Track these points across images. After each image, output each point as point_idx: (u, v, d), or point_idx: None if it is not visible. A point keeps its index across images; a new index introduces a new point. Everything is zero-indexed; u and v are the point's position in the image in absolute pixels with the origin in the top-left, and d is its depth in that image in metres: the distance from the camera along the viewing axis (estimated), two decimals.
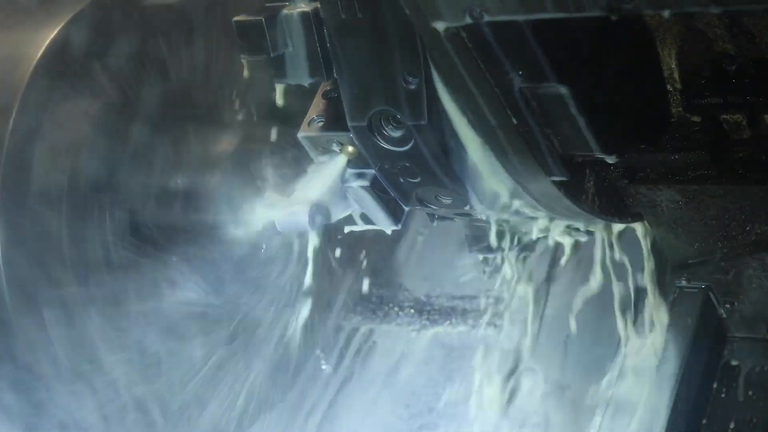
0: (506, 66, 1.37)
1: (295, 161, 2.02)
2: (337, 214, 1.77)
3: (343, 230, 1.95)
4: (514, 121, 1.45)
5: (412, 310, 2.64)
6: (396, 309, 2.65)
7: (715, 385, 1.86)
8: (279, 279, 2.23)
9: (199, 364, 2.11)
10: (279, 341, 2.30)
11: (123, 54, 1.93)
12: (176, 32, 2.05)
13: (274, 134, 2.12)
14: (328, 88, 1.68)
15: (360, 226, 1.83)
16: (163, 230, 2.01)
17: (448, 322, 2.55)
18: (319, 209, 1.72)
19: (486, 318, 2.44)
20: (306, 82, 1.58)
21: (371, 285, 2.65)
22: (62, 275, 1.83)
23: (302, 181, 1.75)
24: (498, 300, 2.39)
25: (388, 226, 1.79)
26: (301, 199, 1.73)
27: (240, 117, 2.18)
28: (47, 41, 1.80)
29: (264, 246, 2.19)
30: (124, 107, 1.94)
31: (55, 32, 1.82)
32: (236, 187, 2.08)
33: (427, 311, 2.62)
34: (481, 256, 2.12)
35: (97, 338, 1.88)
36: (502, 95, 1.42)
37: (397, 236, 2.68)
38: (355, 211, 1.80)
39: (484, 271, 2.16)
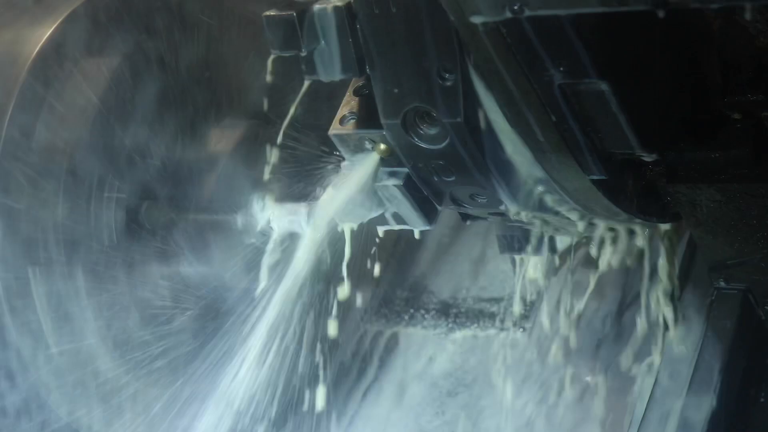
0: (546, 62, 1.34)
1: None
2: (370, 214, 1.74)
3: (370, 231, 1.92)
4: (553, 119, 1.42)
5: (438, 313, 2.61)
6: (422, 312, 2.62)
7: (754, 391, 1.83)
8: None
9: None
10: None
11: (118, 51, 1.92)
12: (172, 29, 2.03)
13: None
14: (360, 84, 1.65)
15: (392, 226, 1.80)
16: (158, 228, 2.01)
17: (476, 324, 2.52)
18: (318, 208, 1.70)
19: (515, 321, 2.41)
20: (337, 78, 1.55)
21: (395, 288, 2.62)
22: (58, 270, 1.83)
23: (334, 179, 1.73)
24: (528, 303, 2.35)
25: (420, 226, 1.76)
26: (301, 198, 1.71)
27: (237, 113, 2.16)
28: (43, 39, 1.80)
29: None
30: (120, 103, 1.93)
31: (51, 30, 1.81)
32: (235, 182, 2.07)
33: (454, 314, 2.58)
34: (511, 258, 2.09)
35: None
36: (541, 92, 1.38)
37: (421, 237, 2.65)
38: (387, 210, 1.77)
39: (514, 273, 2.13)
